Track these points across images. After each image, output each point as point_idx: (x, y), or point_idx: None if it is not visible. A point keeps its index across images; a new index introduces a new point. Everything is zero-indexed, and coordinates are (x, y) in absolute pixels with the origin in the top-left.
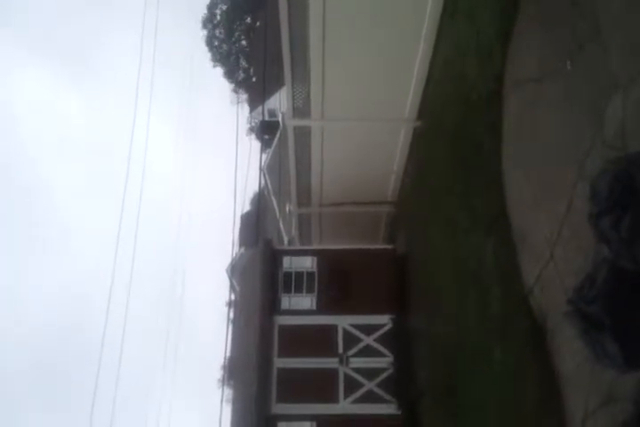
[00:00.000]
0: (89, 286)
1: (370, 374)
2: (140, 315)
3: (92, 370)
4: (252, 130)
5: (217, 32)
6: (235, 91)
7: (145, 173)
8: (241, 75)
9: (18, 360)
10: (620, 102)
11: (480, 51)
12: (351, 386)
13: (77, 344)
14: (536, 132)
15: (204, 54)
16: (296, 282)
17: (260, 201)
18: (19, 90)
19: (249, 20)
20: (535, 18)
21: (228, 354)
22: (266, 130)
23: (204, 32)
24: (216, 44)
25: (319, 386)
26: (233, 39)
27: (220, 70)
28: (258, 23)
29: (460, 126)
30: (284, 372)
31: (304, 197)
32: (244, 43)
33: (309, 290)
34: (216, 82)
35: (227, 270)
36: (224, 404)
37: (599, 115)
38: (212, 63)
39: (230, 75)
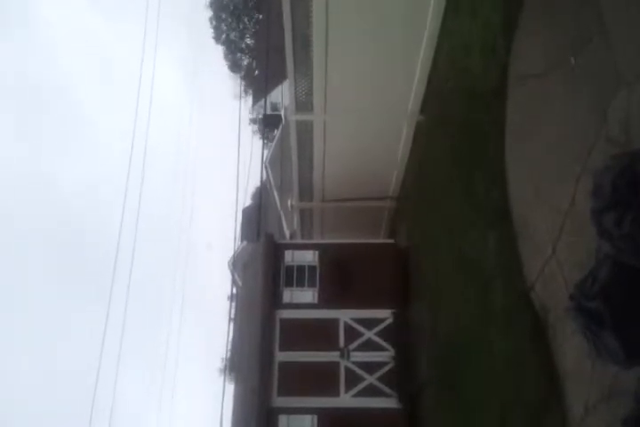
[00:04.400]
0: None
1: (371, 367)
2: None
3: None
4: (257, 132)
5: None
6: (245, 87)
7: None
8: (243, 62)
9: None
10: (625, 98)
11: (484, 45)
12: (352, 380)
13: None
14: (540, 126)
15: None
16: (298, 276)
17: (261, 195)
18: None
19: (253, 12)
20: (540, 12)
21: (230, 347)
22: (268, 124)
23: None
24: (222, 30)
25: (320, 380)
26: (240, 29)
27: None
28: (260, 16)
29: (463, 121)
30: (285, 365)
31: (306, 191)
32: (248, 38)
33: (311, 284)
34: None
35: (229, 264)
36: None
37: (603, 110)
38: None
39: (235, 68)
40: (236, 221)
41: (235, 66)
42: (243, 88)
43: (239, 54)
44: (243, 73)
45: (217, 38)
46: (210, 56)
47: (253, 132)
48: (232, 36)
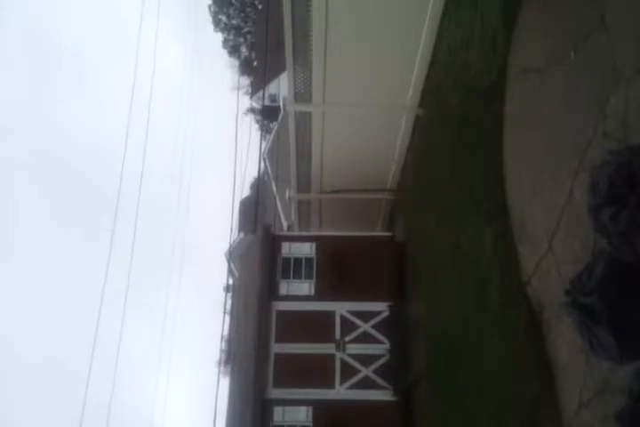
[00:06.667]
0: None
1: (366, 360)
2: None
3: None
4: (256, 122)
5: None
6: (243, 77)
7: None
8: (243, 52)
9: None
10: (623, 94)
11: (484, 38)
12: (347, 372)
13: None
14: (538, 121)
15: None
16: (295, 268)
17: (259, 187)
18: None
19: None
20: (540, 7)
21: (227, 337)
22: (266, 115)
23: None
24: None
25: (316, 372)
26: (241, 16)
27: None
28: (260, 6)
29: (462, 115)
30: (281, 357)
31: (304, 183)
32: (249, 27)
33: (308, 276)
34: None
35: (225, 255)
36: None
37: (601, 106)
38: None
39: (234, 53)
40: (232, 212)
41: (234, 51)
42: (240, 78)
43: (239, 38)
44: (241, 57)
45: (216, 24)
46: (209, 50)
47: (252, 122)
48: (232, 21)
